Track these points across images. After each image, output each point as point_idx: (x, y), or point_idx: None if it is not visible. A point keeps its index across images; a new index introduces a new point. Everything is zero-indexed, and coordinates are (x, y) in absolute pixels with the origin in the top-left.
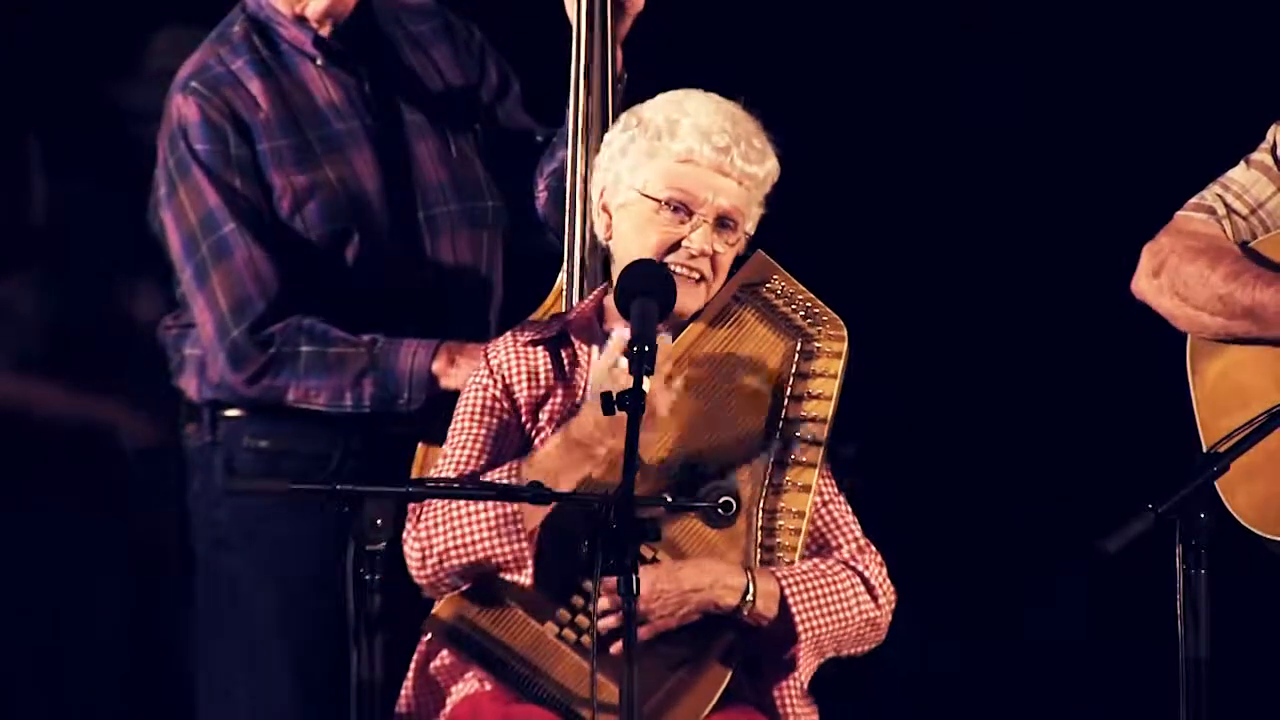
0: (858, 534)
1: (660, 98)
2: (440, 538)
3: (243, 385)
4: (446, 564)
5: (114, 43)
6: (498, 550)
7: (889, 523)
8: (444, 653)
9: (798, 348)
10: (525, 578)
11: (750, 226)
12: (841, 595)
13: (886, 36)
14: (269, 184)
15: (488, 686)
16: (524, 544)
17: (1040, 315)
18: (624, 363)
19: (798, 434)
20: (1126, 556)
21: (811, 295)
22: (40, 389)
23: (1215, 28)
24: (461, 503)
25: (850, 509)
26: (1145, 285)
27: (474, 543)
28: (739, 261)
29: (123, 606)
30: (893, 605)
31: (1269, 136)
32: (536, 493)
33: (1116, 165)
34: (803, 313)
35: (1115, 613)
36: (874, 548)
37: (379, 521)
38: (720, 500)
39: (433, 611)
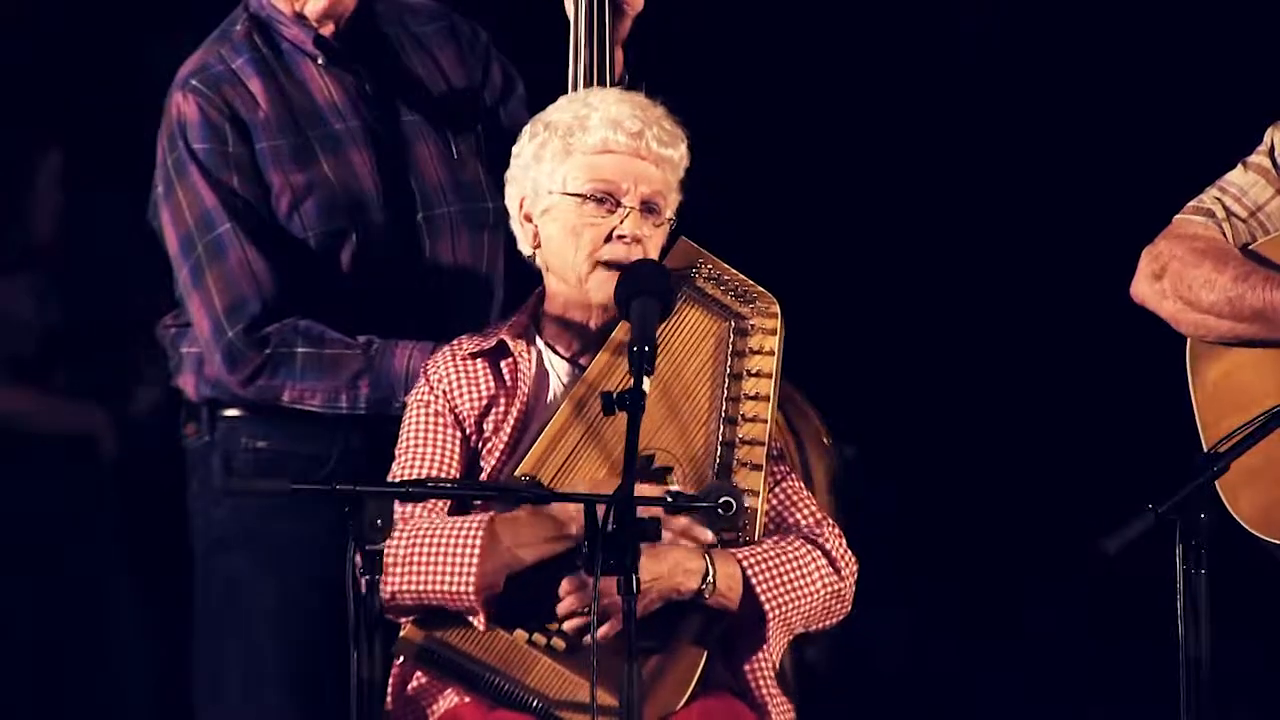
0: (813, 508)
1: (561, 100)
2: (397, 578)
3: (238, 385)
4: (401, 600)
5: (114, 46)
6: (447, 598)
7: (889, 523)
8: (419, 673)
9: (731, 327)
10: (478, 623)
11: (671, 211)
12: (804, 570)
13: (885, 36)
14: (267, 183)
15: (467, 699)
16: (472, 595)
17: (1040, 317)
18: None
19: (742, 413)
20: (1126, 556)
21: (740, 275)
22: (25, 399)
23: (1211, 30)
24: (420, 546)
25: (804, 486)
26: (1146, 289)
27: (425, 589)
28: (663, 254)
29: (123, 606)
30: (855, 575)
31: (1266, 139)
32: (536, 492)
33: (1114, 169)
34: (734, 293)
35: (1115, 613)
36: (831, 520)
37: (378, 521)
38: (720, 500)
39: (401, 634)
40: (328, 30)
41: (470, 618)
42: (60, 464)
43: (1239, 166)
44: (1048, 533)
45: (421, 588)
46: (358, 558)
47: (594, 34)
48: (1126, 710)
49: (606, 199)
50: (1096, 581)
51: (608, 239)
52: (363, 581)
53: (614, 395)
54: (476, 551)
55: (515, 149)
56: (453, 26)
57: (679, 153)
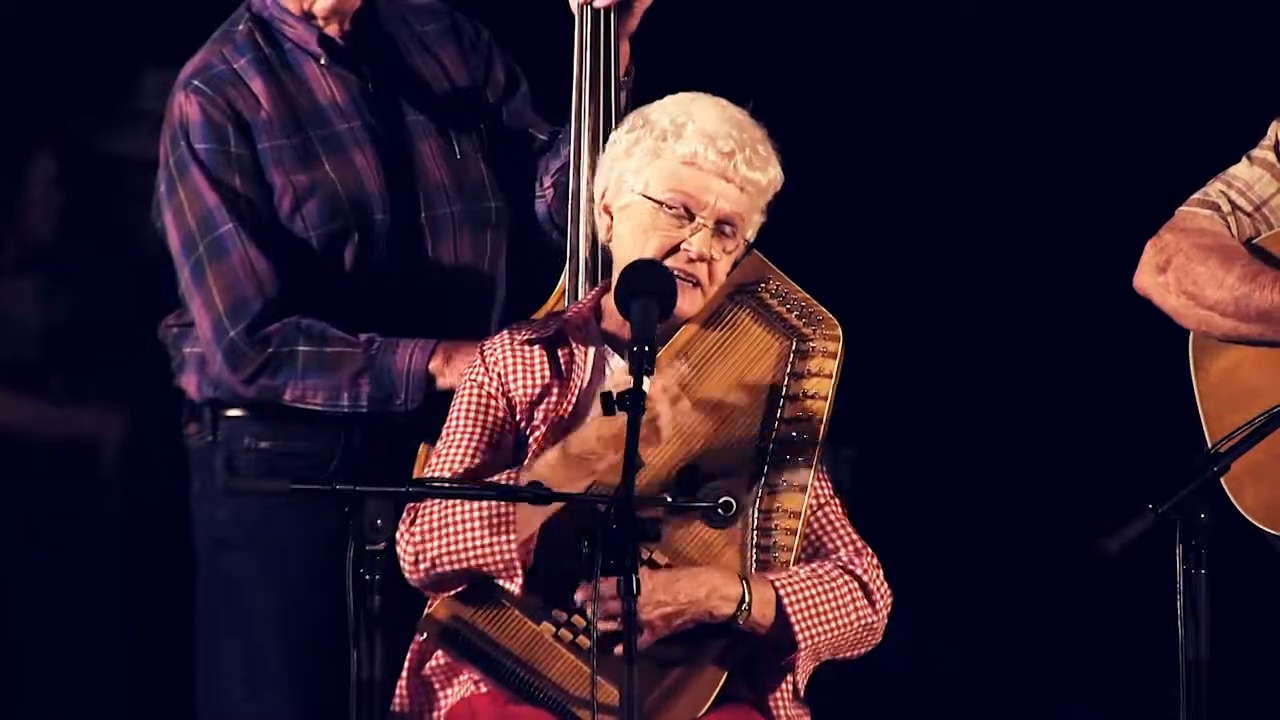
0: (854, 536)
1: (668, 99)
2: (433, 542)
3: (240, 385)
4: (438, 568)
5: (113, 47)
6: (488, 558)
7: (889, 523)
8: (438, 654)
9: (793, 347)
10: (515, 586)
11: (750, 234)
12: (839, 601)
13: (890, 37)
14: (269, 183)
15: (484, 689)
16: (514, 552)
17: (1041, 313)
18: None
19: (793, 434)
20: (1126, 556)
21: (807, 295)
22: (26, 402)
23: (1216, 23)
24: (455, 507)
25: (844, 513)
26: (1149, 282)
27: (465, 549)
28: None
29: (123, 606)
30: (889, 609)
31: (1270, 133)
32: (536, 493)
33: (1116, 161)
34: (798, 313)
35: (1115, 613)
36: (870, 550)
37: (379, 521)
38: (720, 500)
39: (427, 612)
40: (333, 29)
41: (507, 582)
42: (62, 465)
43: (1243, 160)
44: (1048, 533)
45: (462, 548)
46: (357, 558)
47: (598, 30)
48: (1127, 710)
49: (682, 211)
50: (1096, 581)
51: (675, 249)
52: (363, 581)
53: (614, 395)
54: (514, 514)
55: (613, 136)
56: (455, 25)
57: (768, 177)
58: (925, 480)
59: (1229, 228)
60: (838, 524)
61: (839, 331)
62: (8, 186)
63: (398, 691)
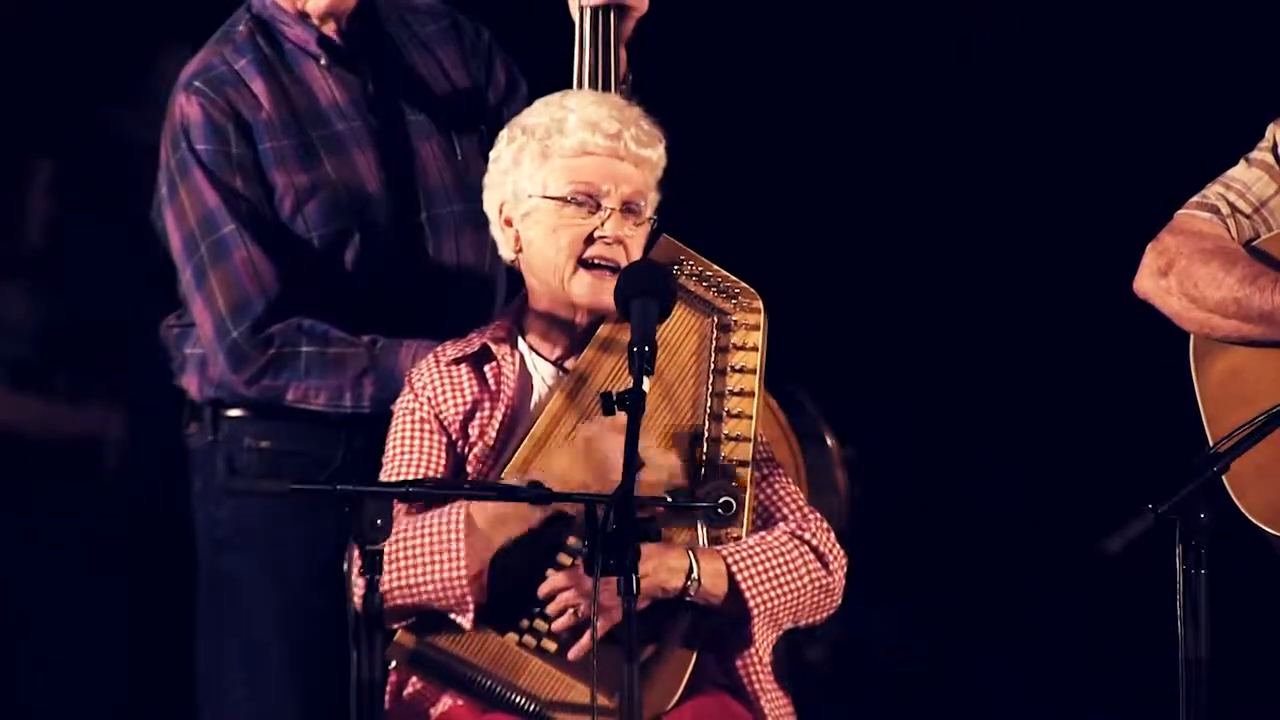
0: (801, 503)
1: (537, 104)
2: (387, 579)
3: (242, 385)
4: (392, 601)
5: (115, 52)
6: (439, 593)
7: (889, 523)
8: (414, 678)
9: (715, 323)
10: (466, 621)
11: (651, 211)
12: (790, 565)
13: (888, 39)
14: (270, 184)
15: (460, 701)
16: (465, 587)
17: (1041, 314)
18: None
19: (727, 409)
20: (1126, 556)
21: (723, 271)
22: (27, 405)
23: (1214, 25)
24: (402, 541)
25: (791, 481)
26: (1150, 285)
27: (415, 584)
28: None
29: (123, 606)
30: (844, 569)
31: (1268, 135)
32: (536, 493)
33: (1115, 164)
34: (716, 289)
35: (1115, 613)
36: (820, 515)
37: (379, 521)
38: (720, 500)
39: (394, 640)
40: (329, 29)
41: (459, 616)
42: (62, 465)
43: (1241, 162)
44: (1048, 533)
45: (413, 582)
46: (358, 557)
47: (598, 34)
48: (1127, 710)
49: (587, 201)
50: (1096, 581)
51: (589, 240)
52: (363, 581)
53: (614, 395)
54: (461, 535)
55: (493, 154)
56: (456, 26)
57: (657, 153)
58: (925, 480)
59: (1228, 230)
60: (784, 494)
61: (759, 303)
62: (7, 187)
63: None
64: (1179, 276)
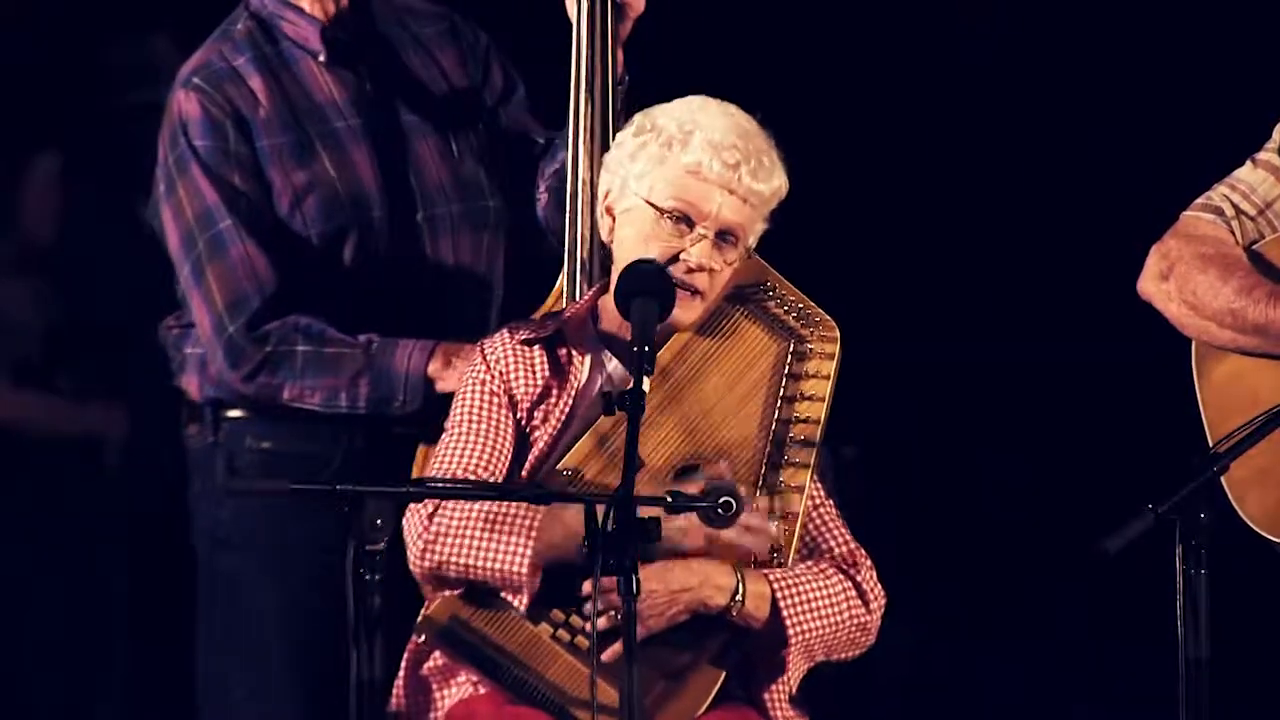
0: (848, 537)
1: (676, 104)
2: (445, 544)
3: (239, 382)
4: (443, 571)
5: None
6: (498, 574)
7: (889, 523)
8: (436, 655)
9: (790, 349)
10: (520, 603)
11: (752, 241)
12: (832, 598)
13: (888, 40)
14: (268, 181)
15: (481, 690)
16: (524, 575)
17: (1042, 315)
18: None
19: (790, 435)
20: (1126, 556)
21: (805, 297)
22: (30, 402)
23: (1219, 25)
24: (474, 514)
25: (839, 515)
26: (1153, 288)
27: (476, 562)
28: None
29: (123, 606)
30: (883, 610)
31: (1275, 136)
32: (536, 493)
33: (1121, 165)
34: (795, 315)
35: (1115, 613)
36: (865, 552)
37: (379, 521)
38: (720, 500)
39: (426, 612)
40: (318, 11)
41: (513, 597)
42: (63, 465)
43: (1247, 163)
44: (1048, 533)
45: (472, 561)
46: (357, 558)
47: (595, 35)
48: (1127, 710)
49: (683, 220)
50: (1096, 581)
51: (675, 258)
52: (363, 581)
53: (614, 395)
54: (534, 531)
55: (619, 137)
56: (453, 28)
57: (771, 187)
58: (925, 481)
59: (1233, 232)
60: (833, 525)
61: (836, 333)
62: (9, 187)
63: (395, 692)
64: (1179, 282)
